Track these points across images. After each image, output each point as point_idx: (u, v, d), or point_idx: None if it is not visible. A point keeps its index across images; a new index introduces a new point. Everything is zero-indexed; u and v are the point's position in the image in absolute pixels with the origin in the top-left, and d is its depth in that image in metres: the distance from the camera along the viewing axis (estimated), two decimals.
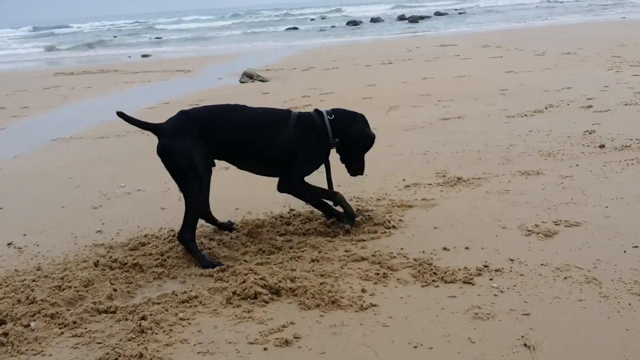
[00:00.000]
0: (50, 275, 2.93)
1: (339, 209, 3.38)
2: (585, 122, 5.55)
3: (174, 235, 3.34)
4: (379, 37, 22.67)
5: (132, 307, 2.58)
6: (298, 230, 3.39)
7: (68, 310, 2.60)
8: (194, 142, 3.02)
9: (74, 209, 4.15)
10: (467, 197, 3.78)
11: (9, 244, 3.52)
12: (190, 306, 2.58)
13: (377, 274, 2.76)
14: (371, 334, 2.29)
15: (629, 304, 2.36)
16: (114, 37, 36.97)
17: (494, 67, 10.15)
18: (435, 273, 2.72)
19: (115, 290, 2.74)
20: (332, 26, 33.31)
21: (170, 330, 2.40)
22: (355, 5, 61.24)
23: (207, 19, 56.07)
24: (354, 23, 33.51)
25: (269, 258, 3.01)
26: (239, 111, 3.21)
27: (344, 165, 3.44)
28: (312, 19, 43.71)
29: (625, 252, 2.83)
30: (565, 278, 2.61)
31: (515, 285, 2.58)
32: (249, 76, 10.79)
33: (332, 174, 3.40)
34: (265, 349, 2.24)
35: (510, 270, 2.72)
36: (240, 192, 4.18)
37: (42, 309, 2.59)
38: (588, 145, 4.75)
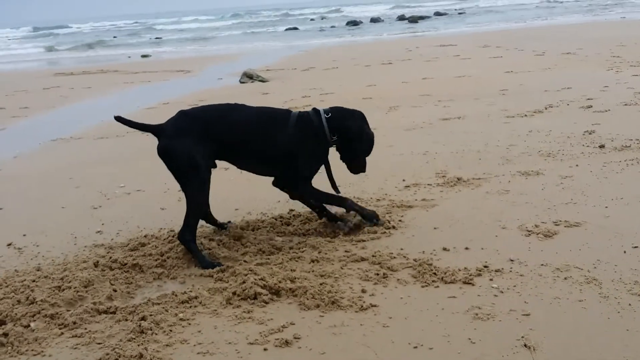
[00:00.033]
0: (50, 275, 2.93)
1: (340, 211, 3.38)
2: (585, 122, 5.55)
3: (173, 236, 3.34)
4: (378, 37, 22.68)
5: (132, 308, 2.58)
6: (298, 231, 3.39)
7: (68, 310, 2.60)
8: (195, 142, 3.02)
9: (74, 209, 4.15)
10: (467, 198, 3.78)
11: (9, 245, 3.52)
12: (190, 306, 2.58)
13: (377, 274, 2.75)
14: (371, 335, 2.29)
15: (629, 305, 2.36)
16: (114, 37, 37.00)
17: (494, 67, 10.15)
18: (435, 273, 2.72)
19: (115, 290, 2.74)
20: (332, 26, 33.31)
21: (170, 330, 2.40)
22: (355, 6, 61.24)
23: (207, 19, 56.12)
24: (353, 23, 33.51)
25: (268, 258, 3.01)
26: (238, 111, 3.20)
27: (344, 165, 3.44)
28: (312, 19, 43.73)
29: (625, 252, 2.83)
30: (565, 278, 2.61)
31: (515, 286, 2.58)
32: (248, 76, 10.80)
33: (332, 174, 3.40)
34: (265, 349, 2.24)
35: (510, 271, 2.72)
36: (240, 193, 4.18)
37: (42, 310, 2.59)
38: (588, 146, 4.75)
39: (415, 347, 2.19)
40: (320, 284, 2.66)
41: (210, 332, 2.38)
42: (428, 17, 34.04)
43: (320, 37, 25.76)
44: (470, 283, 2.63)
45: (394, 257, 2.93)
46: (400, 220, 3.43)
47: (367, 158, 3.41)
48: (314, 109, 3.29)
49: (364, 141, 3.30)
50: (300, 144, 3.16)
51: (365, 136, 3.30)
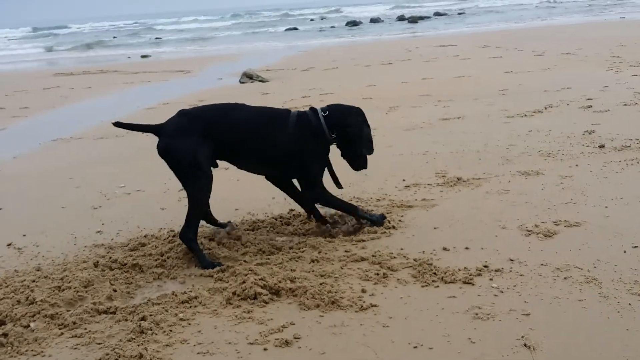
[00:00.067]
0: (50, 275, 2.93)
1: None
2: (584, 122, 5.55)
3: (174, 236, 3.34)
4: (378, 38, 22.68)
5: (132, 308, 2.58)
6: (298, 231, 3.40)
7: (68, 310, 2.60)
8: (196, 141, 3.02)
9: (74, 209, 4.15)
10: (467, 198, 3.78)
11: (9, 245, 3.52)
12: (190, 307, 2.58)
13: (377, 274, 2.75)
14: (371, 334, 2.29)
15: (629, 304, 2.36)
16: (114, 37, 36.98)
17: (494, 67, 10.16)
18: (435, 273, 2.72)
19: (115, 290, 2.74)
20: (332, 26, 33.31)
21: (170, 330, 2.40)
22: (355, 6, 61.26)
23: (207, 19, 56.07)
24: (353, 23, 33.49)
25: (268, 258, 3.01)
26: (238, 110, 3.20)
27: (343, 165, 3.43)
28: (311, 20, 43.72)
29: (625, 252, 2.83)
30: (565, 278, 2.61)
31: (515, 286, 2.58)
32: (248, 76, 10.80)
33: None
34: (265, 349, 2.24)
35: (510, 271, 2.72)
36: (241, 193, 4.18)
37: (42, 310, 2.58)
38: (588, 146, 4.75)
39: (415, 347, 2.19)
40: (320, 284, 2.66)
41: (210, 332, 2.38)
42: (428, 17, 34.04)
43: (320, 37, 25.76)
44: (470, 283, 2.63)
45: (394, 257, 2.93)
46: (400, 220, 3.43)
47: (367, 157, 3.40)
48: (312, 108, 3.28)
49: (362, 138, 3.29)
50: (301, 144, 3.16)
51: (364, 133, 3.29)
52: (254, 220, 3.58)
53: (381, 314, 2.43)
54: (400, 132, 5.78)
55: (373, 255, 2.94)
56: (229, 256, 3.08)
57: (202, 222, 3.38)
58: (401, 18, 34.48)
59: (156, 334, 2.37)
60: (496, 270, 2.72)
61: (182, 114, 3.14)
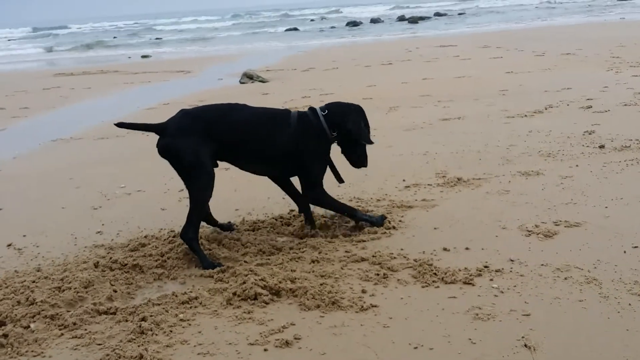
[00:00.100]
0: (50, 276, 2.93)
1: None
2: (585, 122, 5.55)
3: (174, 236, 3.34)
4: (378, 38, 22.69)
5: (132, 308, 2.58)
6: (298, 231, 3.39)
7: (68, 311, 2.59)
8: (198, 140, 3.03)
9: (74, 209, 4.15)
10: (467, 198, 3.78)
11: (9, 245, 3.52)
12: (191, 307, 2.58)
13: (377, 274, 2.75)
14: (371, 335, 2.29)
15: (629, 304, 2.36)
16: (114, 37, 36.99)
17: (494, 67, 10.16)
18: (435, 274, 2.72)
19: (115, 291, 2.74)
20: (332, 27, 33.31)
21: (171, 331, 2.40)
22: (355, 6, 61.32)
23: (207, 19, 56.09)
24: (353, 24, 33.50)
25: (269, 259, 3.01)
26: (239, 110, 3.20)
27: (343, 165, 3.43)
28: (311, 20, 43.74)
29: (625, 252, 2.83)
30: (565, 278, 2.61)
31: (515, 286, 2.58)
32: (248, 77, 10.80)
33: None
34: (265, 349, 2.24)
35: (511, 271, 2.72)
36: (241, 193, 4.18)
37: (42, 310, 2.58)
38: (588, 146, 4.75)
39: (416, 348, 2.19)
40: (321, 285, 2.66)
41: (210, 332, 2.38)
42: (428, 17, 34.05)
43: (320, 37, 25.77)
44: (470, 283, 2.63)
45: (394, 258, 2.93)
46: (400, 221, 3.43)
47: (367, 155, 3.40)
48: (311, 108, 3.29)
49: (361, 130, 3.29)
50: (302, 144, 3.16)
51: (362, 127, 3.29)
52: (254, 221, 3.58)
53: (381, 315, 2.43)
54: (400, 133, 5.78)
55: (373, 256, 2.94)
56: (229, 257, 3.08)
57: (202, 223, 3.38)
58: (401, 18, 34.49)
59: (156, 335, 2.37)
60: (496, 271, 2.72)
61: (183, 113, 3.15)
